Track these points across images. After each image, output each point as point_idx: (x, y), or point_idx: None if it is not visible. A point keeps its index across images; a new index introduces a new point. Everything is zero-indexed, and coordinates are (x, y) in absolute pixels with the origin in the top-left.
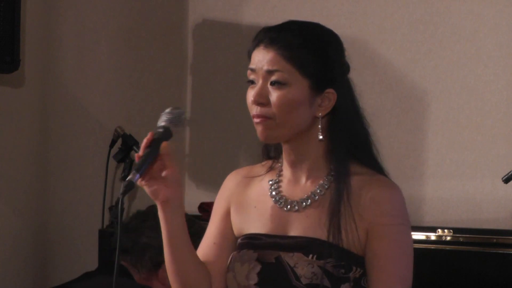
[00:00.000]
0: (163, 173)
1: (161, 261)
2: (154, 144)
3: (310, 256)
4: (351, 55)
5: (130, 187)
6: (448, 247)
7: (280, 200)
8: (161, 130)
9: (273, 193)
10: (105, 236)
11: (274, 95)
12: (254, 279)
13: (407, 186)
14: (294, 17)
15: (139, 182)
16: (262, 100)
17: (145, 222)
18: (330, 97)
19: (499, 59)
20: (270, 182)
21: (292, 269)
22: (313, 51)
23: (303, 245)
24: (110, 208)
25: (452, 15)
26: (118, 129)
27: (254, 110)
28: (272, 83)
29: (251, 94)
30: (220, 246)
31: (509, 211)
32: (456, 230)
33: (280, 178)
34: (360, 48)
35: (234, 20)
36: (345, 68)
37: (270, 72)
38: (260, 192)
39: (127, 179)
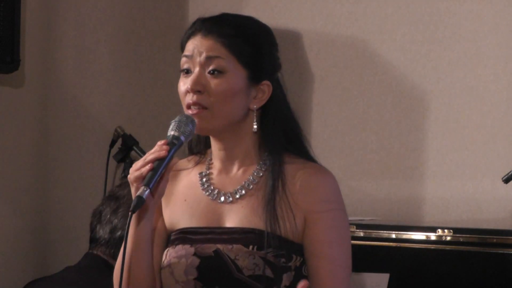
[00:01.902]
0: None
1: None
2: (167, 158)
3: (250, 247)
4: (351, 55)
5: (141, 203)
6: (448, 247)
7: (213, 192)
8: (175, 142)
9: (204, 185)
10: None
11: (212, 83)
12: (193, 274)
13: (407, 186)
14: (294, 17)
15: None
16: (199, 87)
17: (117, 212)
18: (265, 89)
19: (499, 59)
20: (199, 175)
21: (233, 261)
22: (251, 42)
23: (242, 236)
24: None
25: (452, 15)
26: (118, 129)
27: (190, 98)
28: (211, 72)
29: (185, 82)
30: (155, 242)
31: (509, 211)
32: (456, 230)
33: (210, 171)
34: (360, 48)
35: None
36: (278, 63)
37: (209, 59)
38: (189, 185)
39: (137, 194)
